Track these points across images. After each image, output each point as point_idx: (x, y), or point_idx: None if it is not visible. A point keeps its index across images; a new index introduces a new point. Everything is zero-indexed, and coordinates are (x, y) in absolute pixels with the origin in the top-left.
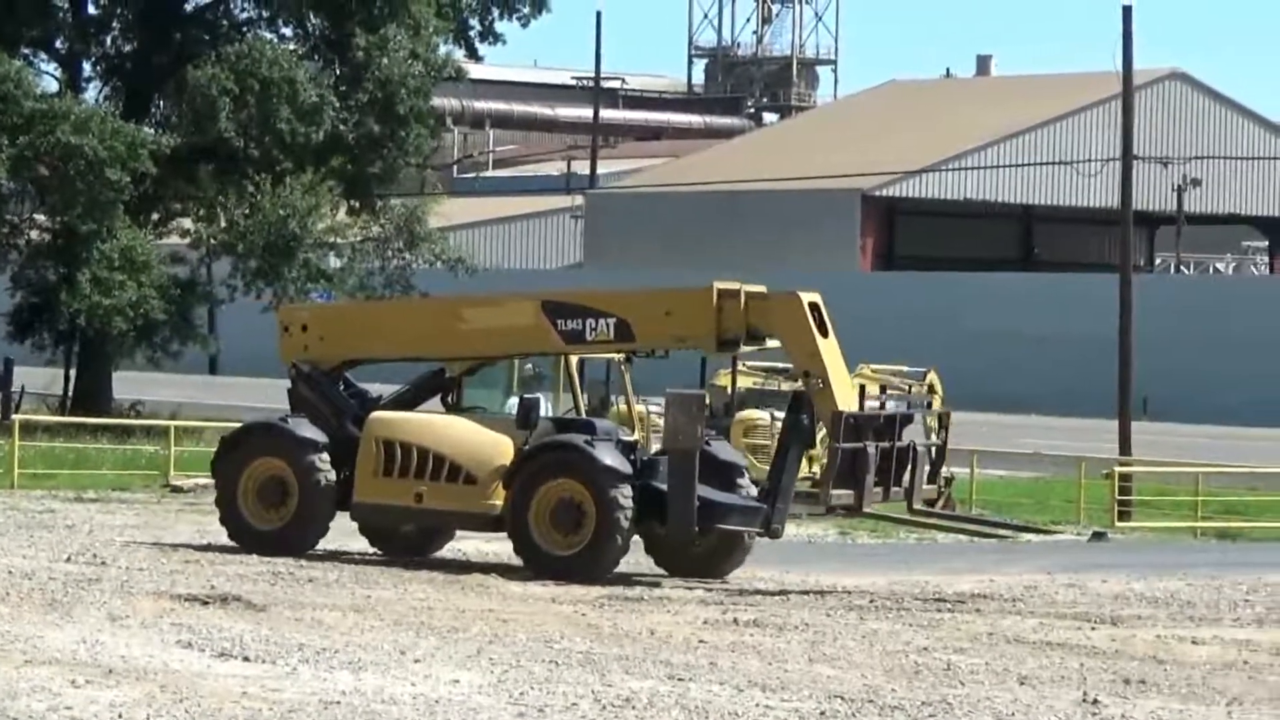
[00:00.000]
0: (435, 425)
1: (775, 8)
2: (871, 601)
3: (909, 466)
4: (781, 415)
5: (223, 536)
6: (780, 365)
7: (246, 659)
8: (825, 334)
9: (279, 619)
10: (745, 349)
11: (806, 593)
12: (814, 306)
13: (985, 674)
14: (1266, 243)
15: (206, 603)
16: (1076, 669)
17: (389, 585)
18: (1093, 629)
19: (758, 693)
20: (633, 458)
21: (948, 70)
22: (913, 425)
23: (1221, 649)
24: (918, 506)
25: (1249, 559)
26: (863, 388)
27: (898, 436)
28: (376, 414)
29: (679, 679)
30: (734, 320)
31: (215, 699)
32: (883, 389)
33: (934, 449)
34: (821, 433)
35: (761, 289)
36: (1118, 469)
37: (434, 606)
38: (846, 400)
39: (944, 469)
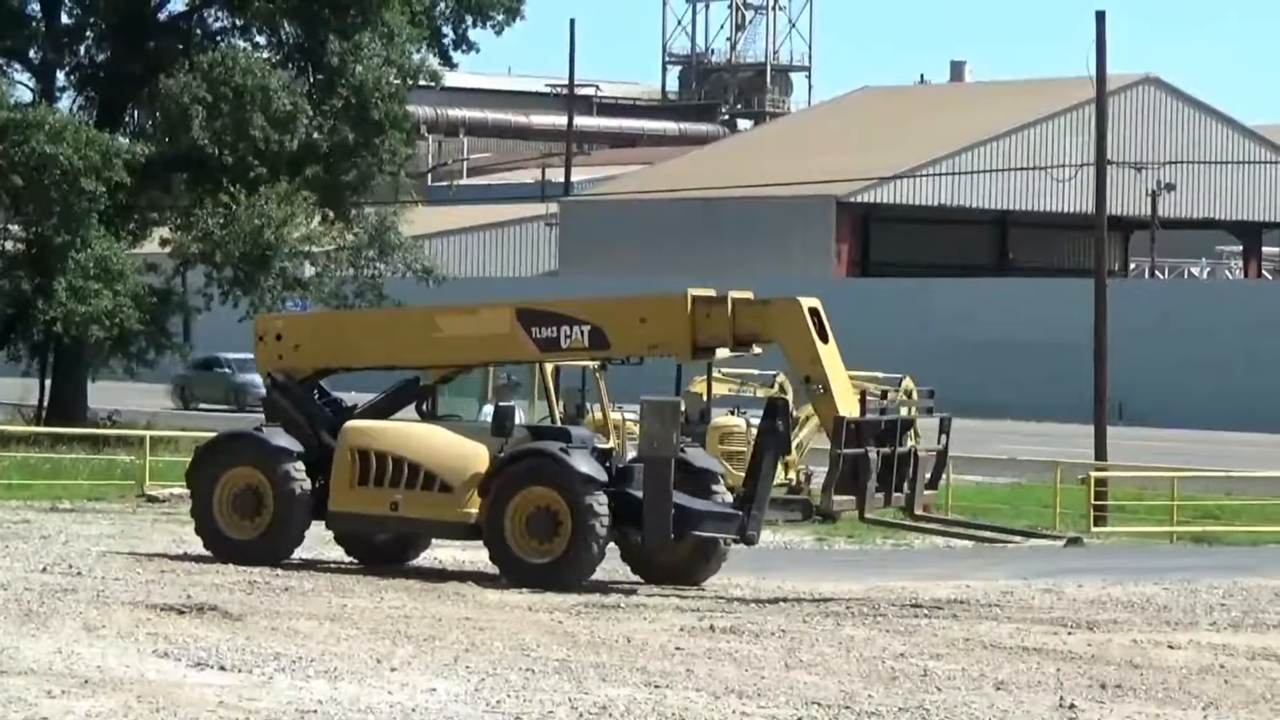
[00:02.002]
0: (410, 434)
1: (749, 14)
2: (848, 608)
3: (910, 472)
4: (757, 422)
5: (198, 546)
6: (754, 372)
7: (223, 668)
8: (825, 339)
9: (255, 628)
10: (720, 355)
11: (783, 599)
12: (814, 311)
13: (962, 680)
14: (1241, 247)
15: (182, 612)
16: (1053, 674)
17: (365, 594)
18: (1069, 634)
19: (734, 700)
20: (608, 465)
21: (922, 76)
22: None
23: (1198, 653)
24: (919, 512)
25: (1225, 563)
26: (864, 393)
27: (899, 442)
28: (351, 423)
29: (655, 686)
30: (720, 326)
31: (191, 709)
32: (884, 394)
33: (936, 454)
34: (799, 436)
35: (748, 294)
36: (1093, 474)
37: (410, 615)
38: (848, 405)
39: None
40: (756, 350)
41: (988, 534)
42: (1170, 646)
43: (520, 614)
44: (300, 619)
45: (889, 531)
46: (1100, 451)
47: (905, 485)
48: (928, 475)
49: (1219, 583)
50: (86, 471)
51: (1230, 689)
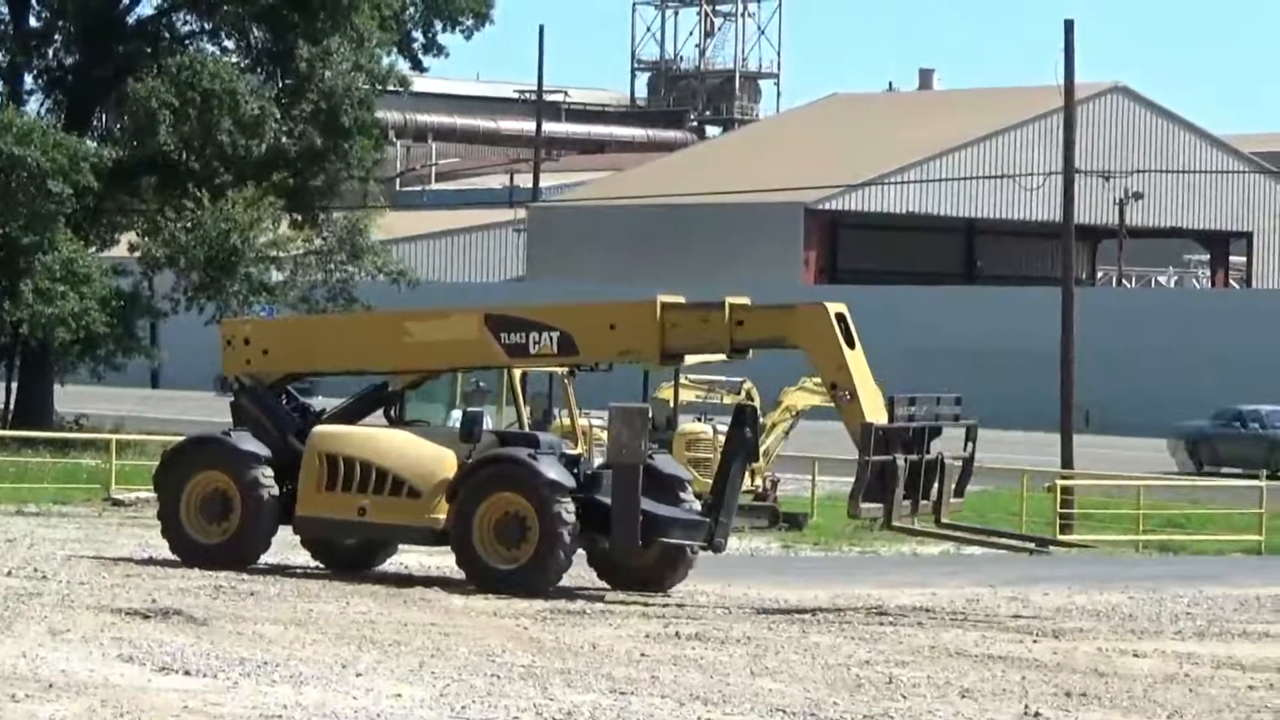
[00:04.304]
0: (378, 439)
1: (718, 21)
2: (813, 614)
3: (937, 479)
4: (724, 428)
5: (164, 550)
6: (722, 379)
7: (187, 673)
8: (852, 345)
9: (220, 633)
10: (690, 361)
11: (748, 606)
12: (840, 317)
13: (927, 687)
14: (1207, 256)
15: (147, 616)
16: (1018, 682)
17: (331, 599)
18: (1035, 642)
19: (699, 706)
20: (576, 471)
21: (890, 84)
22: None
23: (1163, 662)
24: (945, 519)
25: (1190, 572)
26: (892, 399)
27: (926, 449)
28: (319, 428)
29: (621, 692)
30: (719, 331)
31: (156, 713)
32: (912, 400)
33: (963, 461)
34: (766, 443)
35: (745, 300)
36: (1060, 482)
37: (376, 620)
38: (875, 412)
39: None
40: (723, 357)
41: (1016, 543)
42: (1135, 655)
43: (486, 619)
44: (265, 624)
45: (854, 538)
46: (1067, 459)
47: (932, 493)
48: (953, 483)
49: (1184, 591)
50: (52, 475)
51: (1195, 698)
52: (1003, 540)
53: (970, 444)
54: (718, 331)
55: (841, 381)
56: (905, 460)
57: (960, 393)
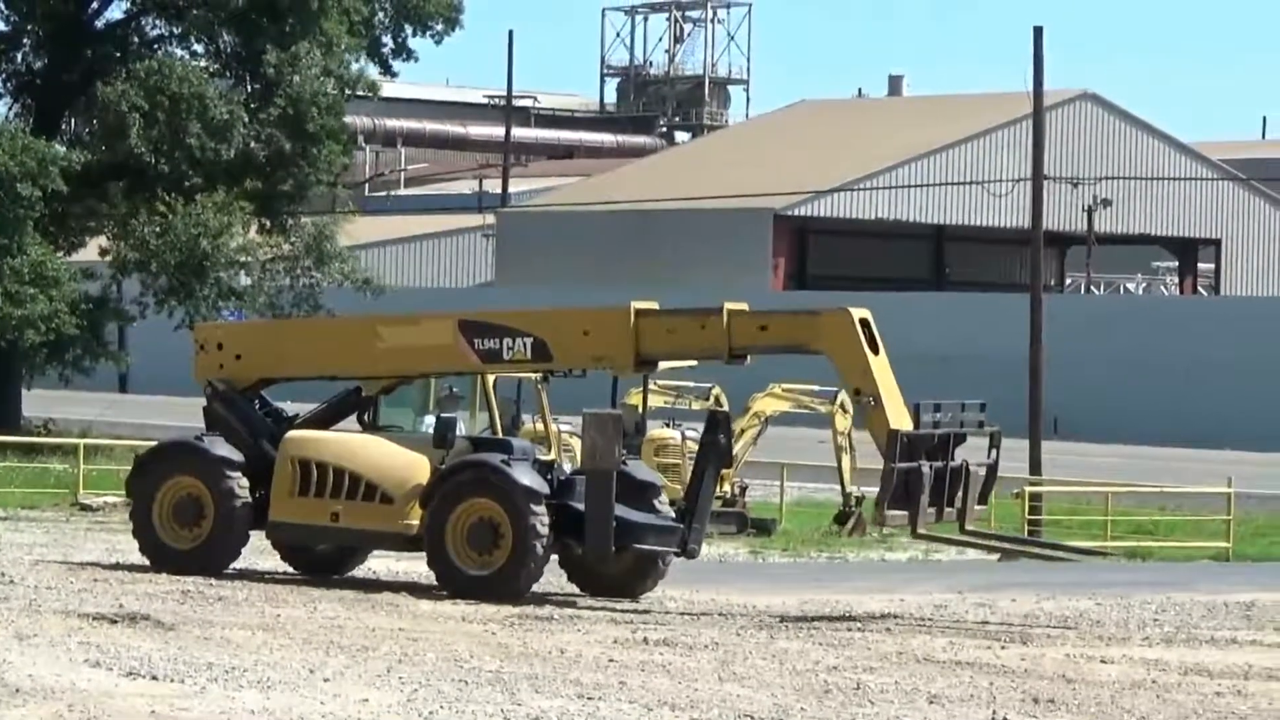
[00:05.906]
0: (351, 444)
1: (687, 27)
2: (781, 620)
3: (962, 486)
4: (692, 434)
5: (132, 555)
6: (690, 384)
7: (154, 678)
8: (876, 351)
9: (188, 638)
10: (662, 366)
11: (716, 612)
12: (864, 323)
13: (895, 693)
14: (1176, 263)
15: (115, 621)
16: (986, 688)
17: (299, 604)
18: (1002, 648)
19: (667, 712)
20: (550, 477)
21: (859, 90)
22: None
23: (1130, 668)
24: (970, 527)
25: (1158, 578)
26: (917, 406)
27: (951, 456)
28: (292, 433)
29: (588, 698)
30: (716, 337)
31: (123, 718)
32: (937, 407)
33: (987, 469)
34: (735, 449)
35: (743, 305)
36: (1028, 488)
37: (344, 625)
38: (900, 419)
39: (856, 489)
40: (692, 363)
41: (1042, 551)
42: (1103, 661)
43: (454, 625)
44: (233, 629)
45: (823, 544)
46: (1035, 466)
47: (956, 500)
48: (978, 490)
49: (1152, 598)
50: (20, 479)
51: (1162, 704)
52: (1025, 548)
53: (994, 451)
54: (716, 337)
55: (866, 387)
56: (930, 467)
57: (927, 399)
